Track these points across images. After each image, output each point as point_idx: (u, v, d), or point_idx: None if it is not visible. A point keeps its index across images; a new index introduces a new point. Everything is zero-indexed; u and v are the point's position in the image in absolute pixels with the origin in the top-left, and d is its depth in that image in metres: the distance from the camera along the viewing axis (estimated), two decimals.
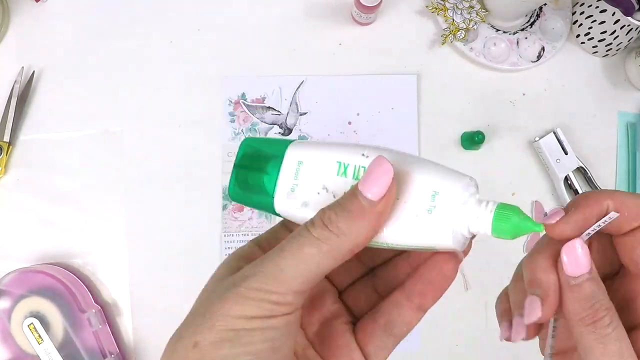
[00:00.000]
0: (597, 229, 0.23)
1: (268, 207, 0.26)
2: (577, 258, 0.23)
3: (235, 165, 0.27)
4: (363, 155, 0.24)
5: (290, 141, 0.26)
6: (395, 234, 0.23)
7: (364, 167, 0.24)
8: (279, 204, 0.26)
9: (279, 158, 0.26)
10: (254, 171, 0.26)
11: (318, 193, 0.25)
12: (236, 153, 0.28)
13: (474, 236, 0.24)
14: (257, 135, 0.65)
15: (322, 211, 0.22)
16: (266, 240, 0.27)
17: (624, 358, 0.22)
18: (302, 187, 0.25)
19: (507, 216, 0.22)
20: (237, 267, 0.24)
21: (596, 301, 0.22)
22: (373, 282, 0.27)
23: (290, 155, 0.26)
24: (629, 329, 0.23)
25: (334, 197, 0.24)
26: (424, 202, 0.23)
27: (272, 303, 0.21)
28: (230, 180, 0.28)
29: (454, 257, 0.24)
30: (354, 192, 0.22)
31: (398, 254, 0.27)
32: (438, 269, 0.24)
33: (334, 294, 0.27)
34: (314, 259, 0.21)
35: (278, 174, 0.26)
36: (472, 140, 0.64)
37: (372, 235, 0.22)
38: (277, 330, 0.21)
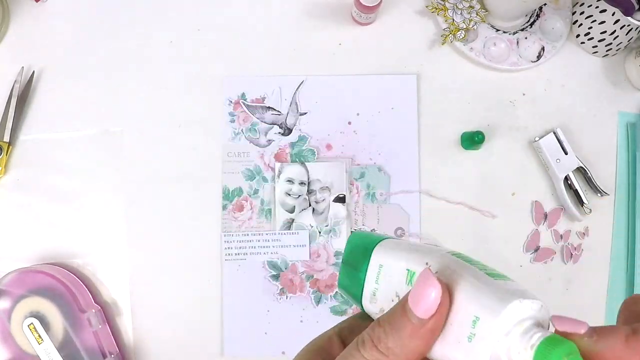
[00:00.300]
0: None
1: (360, 306, 0.26)
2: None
3: (342, 261, 0.27)
4: (427, 264, 0.22)
5: (382, 239, 0.26)
6: (438, 355, 0.21)
7: None
8: (366, 305, 0.25)
9: (368, 258, 0.25)
10: (351, 268, 0.26)
11: (392, 300, 0.23)
12: (344, 248, 0.28)
13: None
14: (257, 133, 0.66)
15: (372, 328, 0.22)
16: (348, 329, 0.26)
17: None
18: (381, 292, 0.24)
19: (548, 356, 0.18)
20: None
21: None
22: None
23: (375, 257, 0.25)
24: None
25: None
26: (465, 327, 0.20)
27: None
28: (339, 272, 0.28)
29: None
30: (403, 308, 0.21)
31: None
32: None
33: None
34: None
35: (365, 275, 0.25)
36: (472, 140, 0.64)
37: (424, 353, 0.21)
38: None
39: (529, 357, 0.19)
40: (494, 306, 0.20)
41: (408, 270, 0.23)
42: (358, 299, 0.26)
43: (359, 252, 0.26)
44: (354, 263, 0.26)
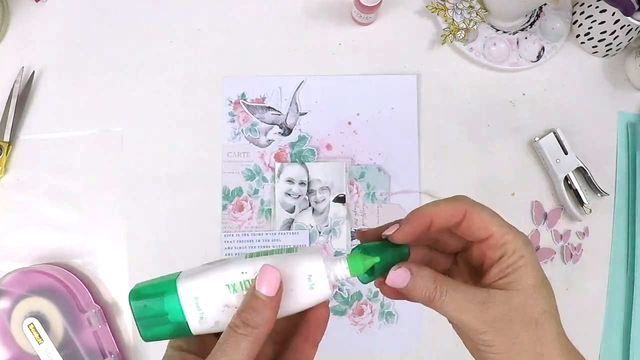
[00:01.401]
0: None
1: (186, 333, 0.31)
2: (397, 281, 0.32)
3: (136, 319, 0.31)
4: (242, 272, 0.31)
5: (174, 278, 0.31)
6: (293, 309, 0.32)
7: (249, 280, 0.31)
8: (197, 329, 0.31)
9: (175, 299, 0.31)
10: (157, 317, 0.31)
11: (222, 311, 0.31)
12: (130, 307, 0.32)
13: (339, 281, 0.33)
14: (257, 133, 0.66)
15: (239, 314, 0.30)
16: (181, 342, 0.33)
17: (461, 308, 0.31)
18: (208, 313, 0.31)
19: (355, 261, 0.32)
20: None
21: (425, 290, 0.31)
22: (271, 338, 0.35)
23: (184, 294, 0.31)
24: (482, 275, 0.33)
25: (236, 308, 0.31)
26: (304, 282, 0.31)
27: None
28: (138, 329, 0.31)
29: (326, 304, 0.33)
30: (254, 295, 0.30)
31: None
32: (319, 314, 0.33)
33: None
34: (247, 349, 0.29)
35: (182, 312, 0.31)
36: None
37: (276, 317, 0.30)
38: None
39: (345, 265, 0.32)
40: (315, 260, 0.32)
41: (227, 285, 0.31)
42: (183, 332, 0.31)
43: (158, 300, 0.31)
44: (158, 312, 0.31)
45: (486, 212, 0.32)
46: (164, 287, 0.31)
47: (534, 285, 0.31)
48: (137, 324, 0.31)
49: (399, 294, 0.33)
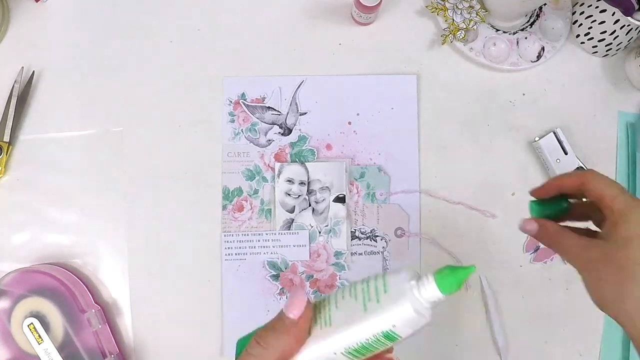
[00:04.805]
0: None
1: None
2: (525, 229, 0.43)
3: None
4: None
5: None
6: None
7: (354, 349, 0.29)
8: None
9: None
10: None
11: None
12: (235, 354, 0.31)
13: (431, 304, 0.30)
14: (257, 133, 0.66)
15: (257, 332, 0.29)
16: None
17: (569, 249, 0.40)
18: None
19: (444, 276, 0.28)
20: None
21: (547, 240, 0.42)
22: None
23: None
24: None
25: None
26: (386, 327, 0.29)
27: None
28: None
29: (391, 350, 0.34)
30: (279, 315, 0.29)
31: None
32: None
33: None
34: None
35: None
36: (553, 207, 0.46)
37: (295, 347, 0.29)
38: None
39: (434, 288, 0.28)
40: (400, 313, 0.29)
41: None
42: None
43: None
44: None
45: (601, 178, 0.39)
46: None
47: (624, 237, 0.36)
48: None
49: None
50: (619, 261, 0.36)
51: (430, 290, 0.28)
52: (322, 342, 0.29)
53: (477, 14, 0.67)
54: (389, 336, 0.29)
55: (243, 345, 0.31)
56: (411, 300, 0.28)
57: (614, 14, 0.63)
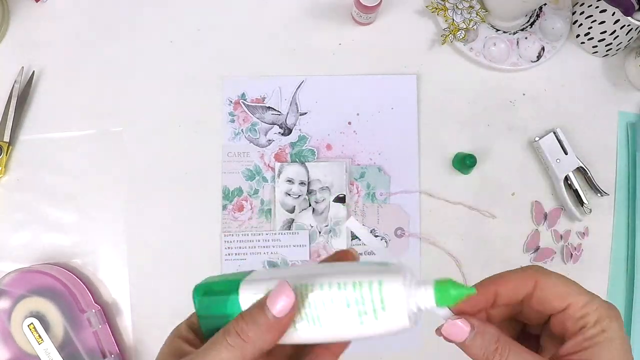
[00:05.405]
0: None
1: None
2: (454, 334, 0.28)
3: (198, 317, 0.30)
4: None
5: (240, 279, 0.29)
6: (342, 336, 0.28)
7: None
8: None
9: (236, 301, 0.29)
10: (218, 318, 0.29)
11: None
12: (193, 302, 0.30)
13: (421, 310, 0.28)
14: (257, 133, 0.65)
15: (236, 321, 0.27)
16: (196, 321, 0.31)
17: None
18: None
19: (444, 289, 0.27)
20: (178, 349, 0.28)
21: (484, 350, 0.28)
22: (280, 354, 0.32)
23: (244, 298, 0.28)
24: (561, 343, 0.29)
25: None
26: (374, 303, 0.27)
27: None
28: (200, 325, 0.30)
29: None
30: (261, 307, 0.27)
31: None
32: None
33: None
34: None
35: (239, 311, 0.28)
36: (463, 163, 0.63)
37: (276, 342, 0.27)
38: None
39: (430, 297, 0.26)
40: (394, 277, 0.27)
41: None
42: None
43: (219, 302, 0.29)
44: (217, 314, 0.29)
45: (560, 280, 0.29)
46: (228, 287, 0.29)
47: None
48: (199, 321, 0.30)
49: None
50: None
51: (425, 299, 0.27)
52: (309, 337, 0.28)
53: (477, 14, 0.67)
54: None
55: (201, 292, 0.30)
56: (409, 314, 0.27)
57: (614, 14, 0.63)
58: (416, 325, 0.28)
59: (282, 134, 0.66)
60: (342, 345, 0.31)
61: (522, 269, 0.30)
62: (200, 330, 0.30)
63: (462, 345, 0.29)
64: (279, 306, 0.26)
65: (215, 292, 0.30)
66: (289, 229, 0.64)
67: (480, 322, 0.28)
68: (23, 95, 0.64)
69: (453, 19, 0.66)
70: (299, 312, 0.28)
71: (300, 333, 0.28)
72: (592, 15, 0.66)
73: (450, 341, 0.29)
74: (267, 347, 0.27)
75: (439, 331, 0.29)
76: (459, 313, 0.29)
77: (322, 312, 0.27)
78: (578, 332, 0.28)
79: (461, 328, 0.28)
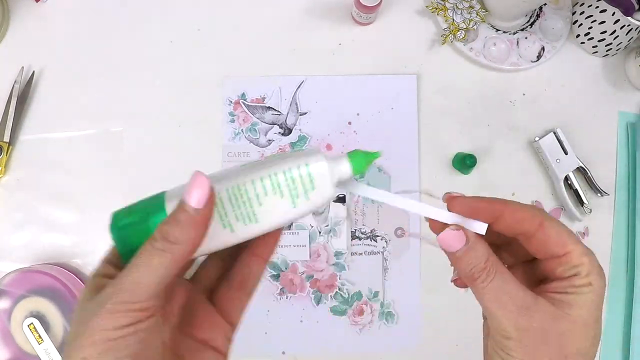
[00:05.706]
0: (461, 224, 0.30)
1: None
2: (448, 241, 0.29)
3: (121, 254, 0.28)
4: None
5: (162, 196, 0.29)
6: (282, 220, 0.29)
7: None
8: None
9: (162, 210, 0.28)
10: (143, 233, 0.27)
11: None
12: (112, 239, 0.29)
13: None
14: (257, 133, 0.65)
15: (159, 227, 0.26)
16: (115, 257, 0.30)
17: (500, 301, 0.27)
18: None
19: (356, 157, 0.30)
20: (99, 285, 0.26)
21: (473, 266, 0.28)
22: (219, 255, 0.32)
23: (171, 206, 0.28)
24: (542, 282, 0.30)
25: None
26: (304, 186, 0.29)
27: (137, 311, 0.25)
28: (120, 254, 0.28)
29: None
30: (181, 205, 0.26)
31: None
32: None
33: (185, 281, 0.32)
34: (162, 266, 0.25)
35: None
36: (463, 163, 0.63)
37: (203, 236, 0.26)
38: (146, 331, 0.25)
39: (347, 164, 0.30)
40: (315, 162, 0.29)
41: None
42: None
43: (145, 217, 0.28)
44: (144, 230, 0.28)
45: (563, 227, 0.29)
46: (152, 206, 0.29)
47: (585, 320, 0.27)
48: (122, 259, 0.28)
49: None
50: (568, 350, 0.27)
51: (344, 170, 0.30)
52: (246, 236, 0.29)
53: (477, 14, 0.67)
54: None
55: (119, 220, 0.29)
56: (334, 187, 0.30)
57: (614, 14, 0.63)
58: (336, 193, 0.30)
59: (282, 134, 0.66)
60: (277, 233, 0.32)
61: (530, 205, 0.31)
62: (121, 266, 0.28)
63: (453, 257, 0.29)
64: (195, 197, 0.26)
65: (137, 216, 0.29)
66: (289, 229, 0.64)
67: (477, 238, 0.29)
68: (23, 95, 0.64)
69: (453, 19, 0.66)
70: (234, 214, 0.28)
71: (239, 233, 0.28)
72: (592, 15, 0.66)
73: (444, 251, 0.30)
74: (196, 245, 0.26)
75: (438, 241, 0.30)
76: (460, 208, 0.31)
77: (256, 207, 0.28)
78: (566, 278, 0.28)
79: (456, 238, 0.29)
